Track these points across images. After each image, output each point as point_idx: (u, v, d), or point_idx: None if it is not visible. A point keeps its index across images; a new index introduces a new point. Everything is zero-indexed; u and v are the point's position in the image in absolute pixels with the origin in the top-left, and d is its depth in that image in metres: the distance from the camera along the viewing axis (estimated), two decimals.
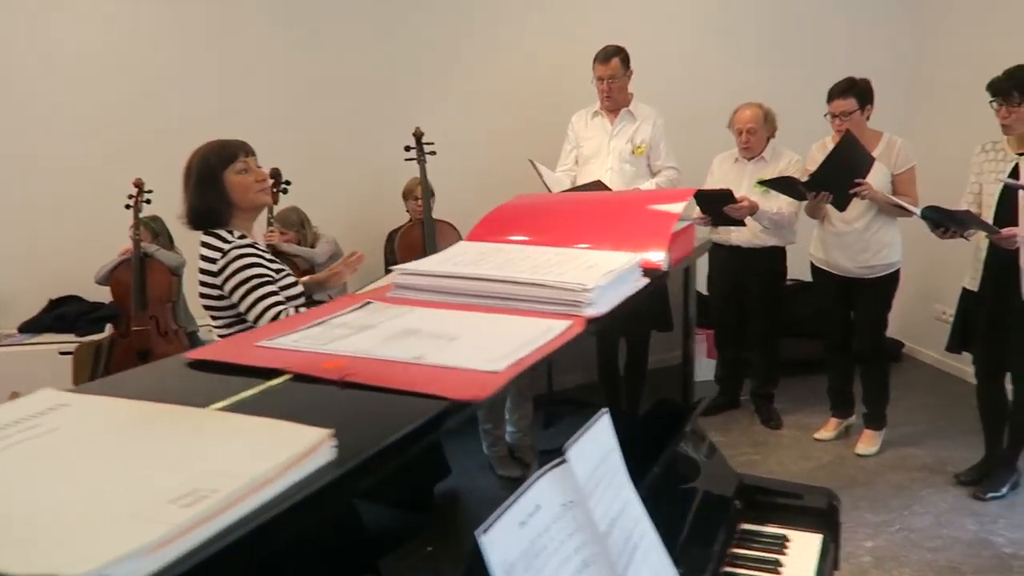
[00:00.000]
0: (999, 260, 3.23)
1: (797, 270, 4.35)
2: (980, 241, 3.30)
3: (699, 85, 4.83)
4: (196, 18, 4.45)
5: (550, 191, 3.86)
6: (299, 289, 2.28)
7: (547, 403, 1.35)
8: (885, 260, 3.73)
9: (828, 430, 4.06)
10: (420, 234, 4.20)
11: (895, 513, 3.32)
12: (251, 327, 2.09)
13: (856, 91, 3.63)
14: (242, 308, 2.15)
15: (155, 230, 4.16)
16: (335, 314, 1.17)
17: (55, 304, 4.38)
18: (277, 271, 2.21)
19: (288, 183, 3.98)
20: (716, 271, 4.30)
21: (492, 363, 0.90)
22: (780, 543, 1.68)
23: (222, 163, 2.22)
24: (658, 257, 1.42)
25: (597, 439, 1.14)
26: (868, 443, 3.89)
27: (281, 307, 2.13)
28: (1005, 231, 3.10)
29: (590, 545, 1.04)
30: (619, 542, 1.12)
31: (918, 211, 3.20)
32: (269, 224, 3.99)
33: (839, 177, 3.49)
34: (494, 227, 1.58)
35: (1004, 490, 3.43)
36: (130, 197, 3.98)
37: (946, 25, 4.92)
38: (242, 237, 2.22)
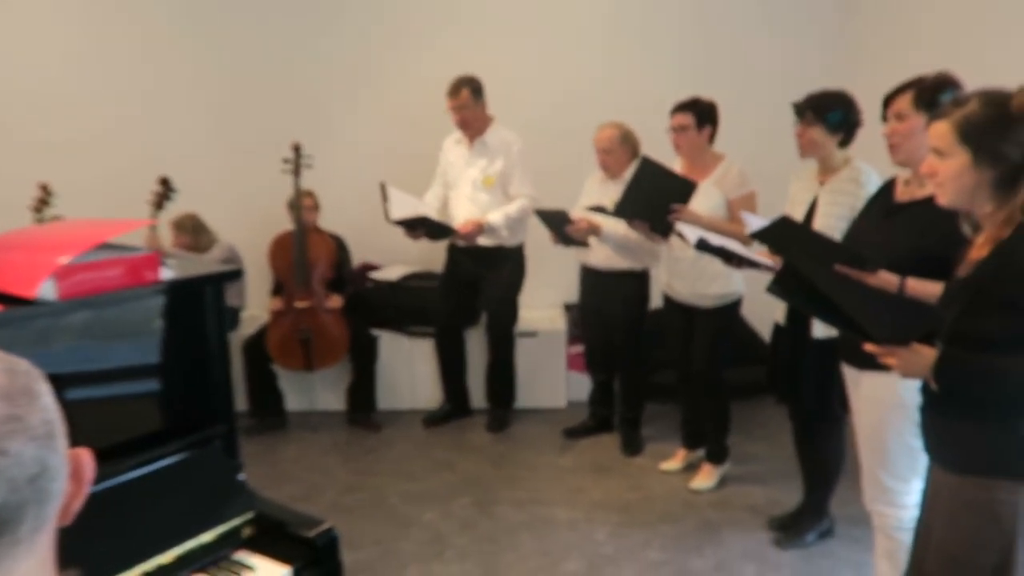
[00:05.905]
0: None
1: None
2: None
3: (611, 104, 4.67)
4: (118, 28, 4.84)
5: (387, 216, 3.94)
6: None
7: None
8: (721, 290, 3.57)
9: (675, 461, 3.92)
10: (291, 241, 4.40)
11: (678, 553, 3.19)
12: None
13: (696, 108, 3.54)
14: None
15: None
16: None
17: None
18: None
19: (174, 191, 4.16)
20: (582, 292, 4.24)
21: None
22: (237, 570, 1.72)
23: None
24: (37, 288, 1.50)
25: None
26: (704, 478, 3.73)
27: None
28: (777, 263, 2.91)
29: None
30: None
31: (694, 240, 2.99)
32: (152, 228, 4.16)
33: (653, 203, 3.36)
34: None
35: (809, 538, 3.22)
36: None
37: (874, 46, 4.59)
38: None
